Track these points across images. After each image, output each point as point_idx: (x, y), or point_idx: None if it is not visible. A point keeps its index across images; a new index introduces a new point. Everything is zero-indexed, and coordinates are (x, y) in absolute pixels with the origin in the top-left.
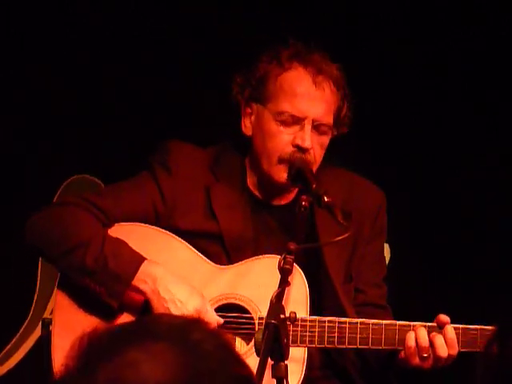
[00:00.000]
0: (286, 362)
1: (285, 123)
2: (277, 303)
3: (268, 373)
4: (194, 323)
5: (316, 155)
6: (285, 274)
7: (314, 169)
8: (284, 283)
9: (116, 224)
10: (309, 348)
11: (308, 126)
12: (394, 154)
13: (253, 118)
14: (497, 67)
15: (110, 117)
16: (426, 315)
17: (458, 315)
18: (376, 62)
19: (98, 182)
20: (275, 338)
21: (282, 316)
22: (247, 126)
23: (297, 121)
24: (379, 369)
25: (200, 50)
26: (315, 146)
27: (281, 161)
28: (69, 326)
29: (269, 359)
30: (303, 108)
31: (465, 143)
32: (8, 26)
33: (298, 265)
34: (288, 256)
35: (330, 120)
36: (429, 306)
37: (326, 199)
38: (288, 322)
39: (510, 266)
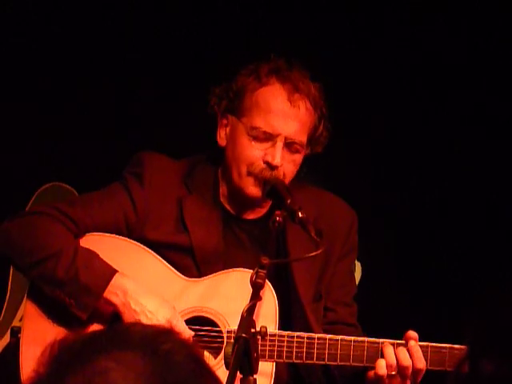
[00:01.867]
0: (255, 376)
1: (257, 139)
2: (247, 317)
3: None
4: (165, 333)
5: (287, 172)
6: (257, 288)
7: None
8: (255, 298)
9: (87, 234)
10: (277, 363)
11: (280, 144)
12: (369, 171)
13: (228, 129)
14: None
15: (84, 125)
16: (398, 333)
17: (430, 333)
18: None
19: (71, 190)
20: (245, 352)
21: (252, 330)
22: (222, 136)
23: (269, 137)
24: None
25: (177, 61)
26: (286, 164)
27: (250, 174)
28: (38, 335)
29: (238, 373)
30: (276, 125)
31: (440, 159)
32: None
33: (268, 281)
34: (260, 270)
35: (303, 139)
36: (400, 324)
37: (300, 215)
38: (258, 337)
39: (483, 283)
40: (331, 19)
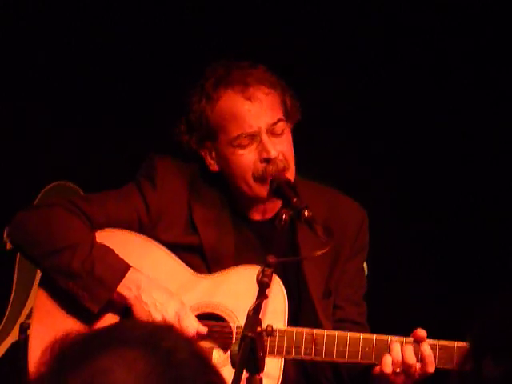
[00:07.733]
0: (261, 375)
1: (242, 146)
2: (254, 316)
3: None
4: (165, 329)
5: (286, 155)
6: (263, 287)
7: (291, 174)
8: (262, 296)
9: (99, 230)
10: (284, 364)
11: (265, 136)
12: (378, 169)
13: (213, 153)
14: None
15: (90, 124)
16: (406, 330)
17: (437, 330)
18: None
19: (76, 189)
20: (251, 350)
21: (258, 329)
22: (212, 163)
23: (252, 137)
24: None
25: (176, 61)
26: (282, 149)
27: (256, 179)
28: (47, 327)
29: (244, 372)
30: (251, 123)
31: (447, 156)
32: None
33: (278, 277)
34: (267, 269)
35: (279, 115)
36: (407, 322)
37: (306, 214)
38: (264, 335)
39: (490, 283)
40: (331, 19)
